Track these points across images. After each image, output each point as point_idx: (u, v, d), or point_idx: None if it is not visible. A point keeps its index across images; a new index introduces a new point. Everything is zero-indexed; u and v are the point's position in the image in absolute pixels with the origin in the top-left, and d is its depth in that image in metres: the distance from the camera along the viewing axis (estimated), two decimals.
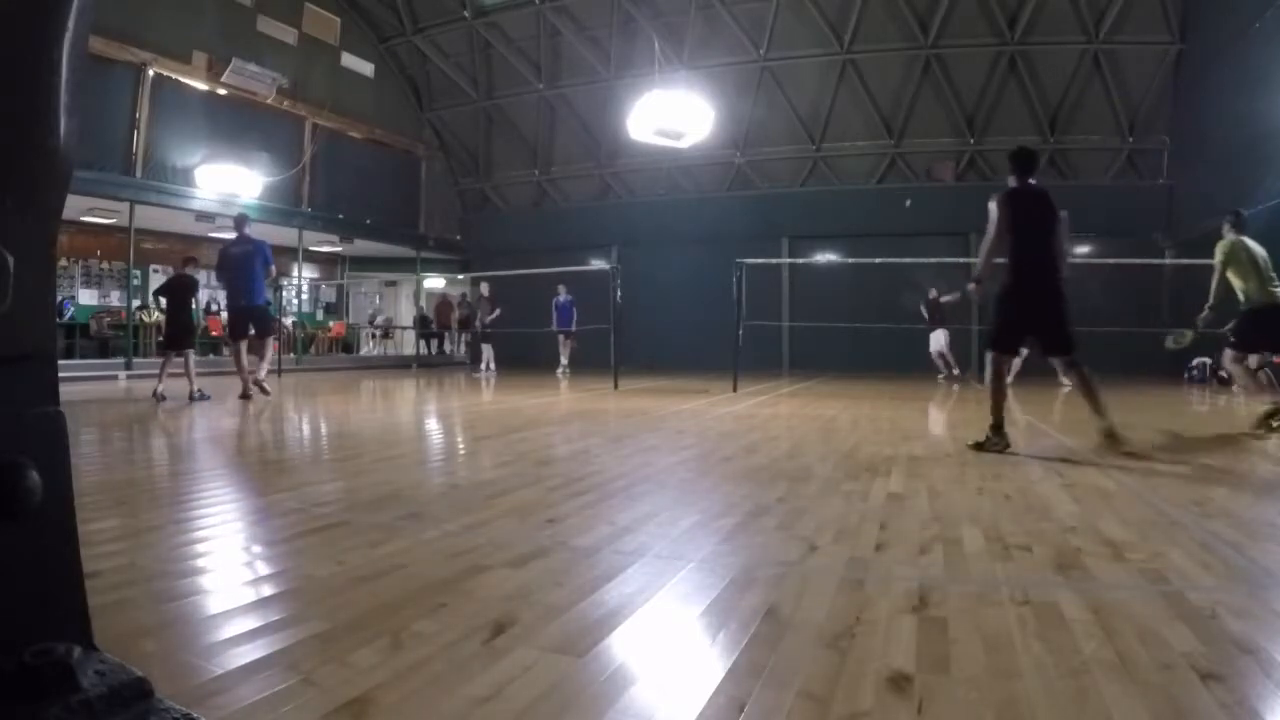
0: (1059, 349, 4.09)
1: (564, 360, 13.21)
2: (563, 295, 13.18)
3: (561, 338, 13.24)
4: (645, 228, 16.28)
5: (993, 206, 4.10)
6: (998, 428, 4.01)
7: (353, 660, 1.32)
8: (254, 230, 8.01)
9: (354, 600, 1.65)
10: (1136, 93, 13.34)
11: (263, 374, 7.67)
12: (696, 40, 14.55)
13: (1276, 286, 5.11)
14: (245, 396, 7.27)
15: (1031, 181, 4.20)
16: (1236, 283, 5.16)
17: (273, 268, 7.77)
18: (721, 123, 13.22)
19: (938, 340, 11.42)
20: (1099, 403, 3.97)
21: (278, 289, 16.95)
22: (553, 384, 10.50)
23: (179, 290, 7.72)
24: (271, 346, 7.88)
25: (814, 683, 1.25)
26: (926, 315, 11.45)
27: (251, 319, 7.71)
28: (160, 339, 9.33)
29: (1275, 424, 4.80)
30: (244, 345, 7.67)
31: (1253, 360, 5.50)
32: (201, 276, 15.39)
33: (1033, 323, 4.14)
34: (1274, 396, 5.22)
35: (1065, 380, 9.62)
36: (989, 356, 4.28)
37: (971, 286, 4.44)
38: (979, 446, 4.00)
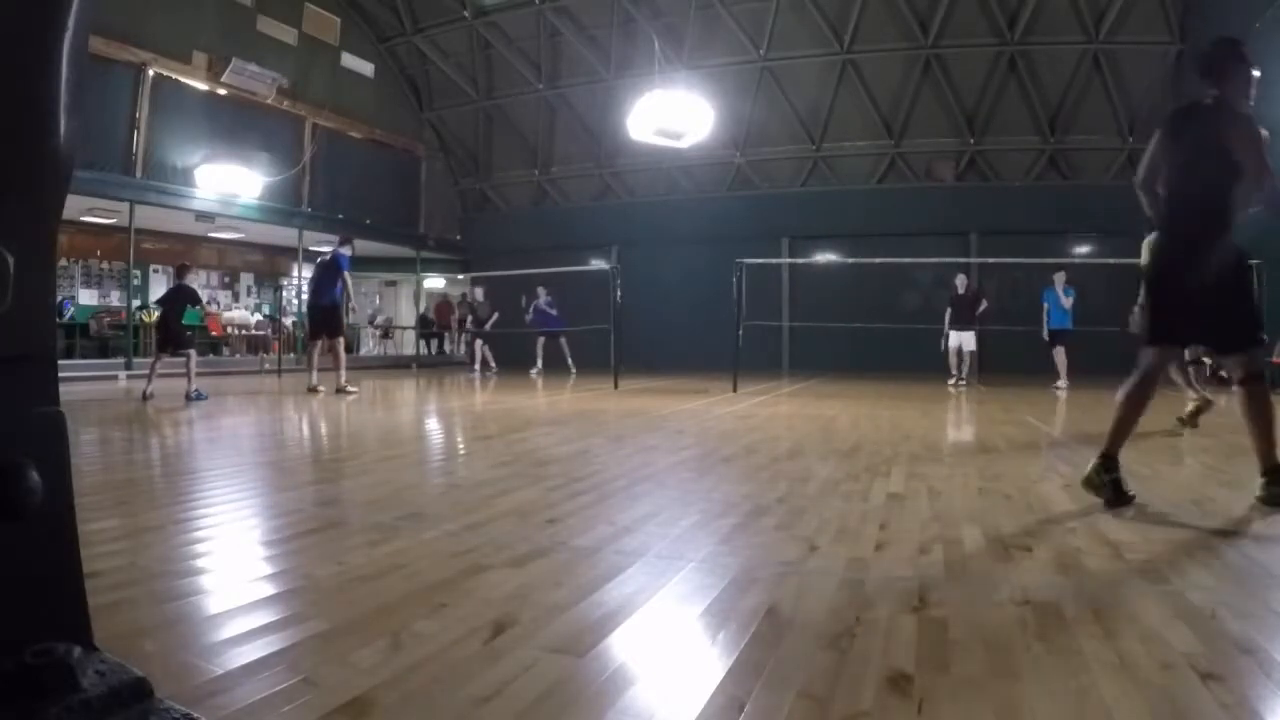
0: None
1: (539, 362, 13.13)
2: (542, 297, 13.14)
3: (541, 339, 13.18)
4: (645, 228, 16.28)
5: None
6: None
7: (353, 660, 1.32)
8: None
9: (354, 600, 1.65)
10: (1136, 93, 13.33)
11: (342, 379, 8.29)
12: (696, 40, 14.54)
13: None
14: (312, 390, 8.23)
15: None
16: None
17: (345, 274, 8.57)
18: (721, 123, 13.21)
19: (969, 340, 10.48)
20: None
21: (277, 289, 17.00)
22: (553, 384, 10.51)
23: (178, 300, 7.76)
24: (339, 349, 8.56)
25: (814, 683, 1.25)
26: (953, 311, 10.39)
27: (316, 317, 8.72)
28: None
29: (1194, 423, 4.95)
30: (318, 345, 8.65)
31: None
32: (202, 278, 15.51)
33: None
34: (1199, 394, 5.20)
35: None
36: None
37: None
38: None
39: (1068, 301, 9.79)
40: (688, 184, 16.41)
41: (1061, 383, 9.59)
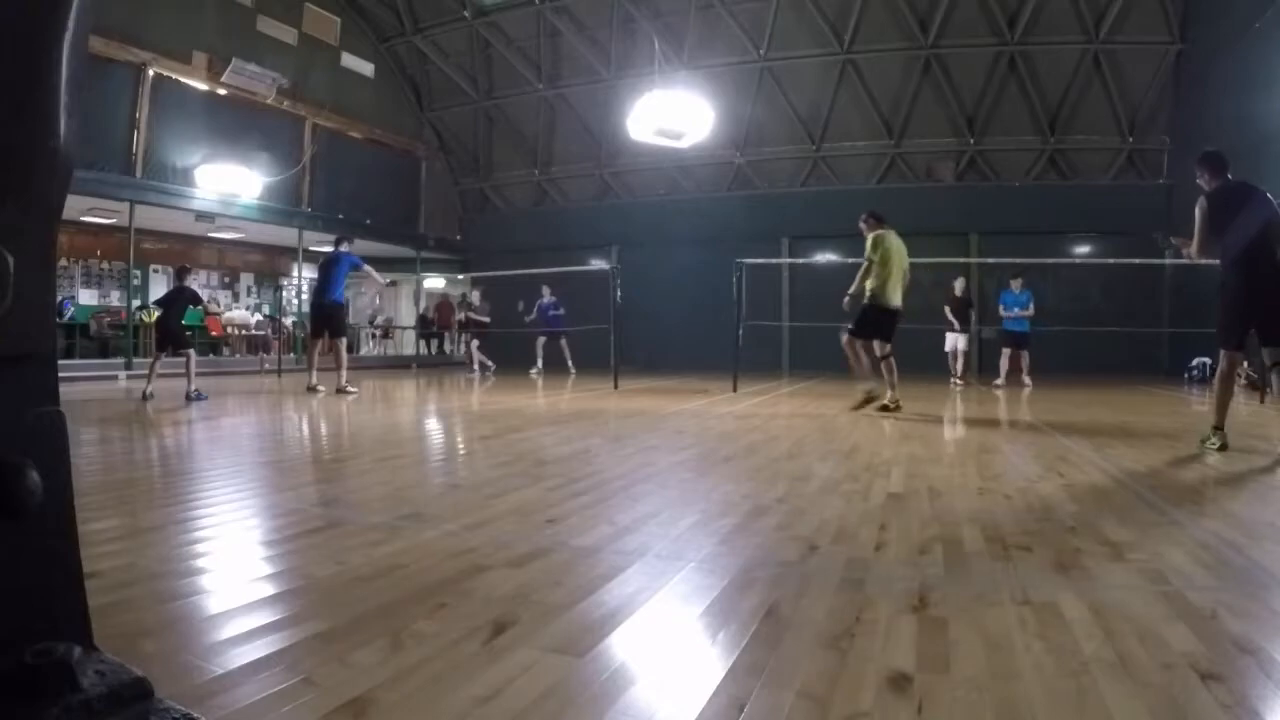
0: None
1: (539, 362, 13.15)
2: (547, 297, 13.14)
3: (542, 339, 13.18)
4: (645, 228, 16.27)
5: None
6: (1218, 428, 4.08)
7: (353, 660, 1.32)
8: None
9: (354, 600, 1.65)
10: (1136, 93, 13.34)
11: (343, 379, 8.32)
12: (696, 40, 14.54)
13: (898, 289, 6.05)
14: (312, 390, 8.23)
15: (1230, 177, 4.37)
16: (881, 277, 6.04)
17: (365, 268, 8.70)
18: (721, 123, 13.21)
19: (963, 341, 10.67)
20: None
21: (277, 289, 16.99)
22: (553, 385, 10.50)
23: (179, 301, 7.74)
24: (341, 350, 8.57)
25: (814, 683, 1.25)
26: (952, 313, 10.59)
27: (318, 316, 8.66)
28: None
29: (875, 407, 5.98)
30: (318, 345, 8.65)
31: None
32: (202, 278, 15.52)
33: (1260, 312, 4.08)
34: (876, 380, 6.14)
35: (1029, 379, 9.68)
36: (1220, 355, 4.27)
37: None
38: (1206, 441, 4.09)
39: (1027, 308, 10.01)
40: (688, 184, 16.41)
41: (1025, 379, 9.90)
